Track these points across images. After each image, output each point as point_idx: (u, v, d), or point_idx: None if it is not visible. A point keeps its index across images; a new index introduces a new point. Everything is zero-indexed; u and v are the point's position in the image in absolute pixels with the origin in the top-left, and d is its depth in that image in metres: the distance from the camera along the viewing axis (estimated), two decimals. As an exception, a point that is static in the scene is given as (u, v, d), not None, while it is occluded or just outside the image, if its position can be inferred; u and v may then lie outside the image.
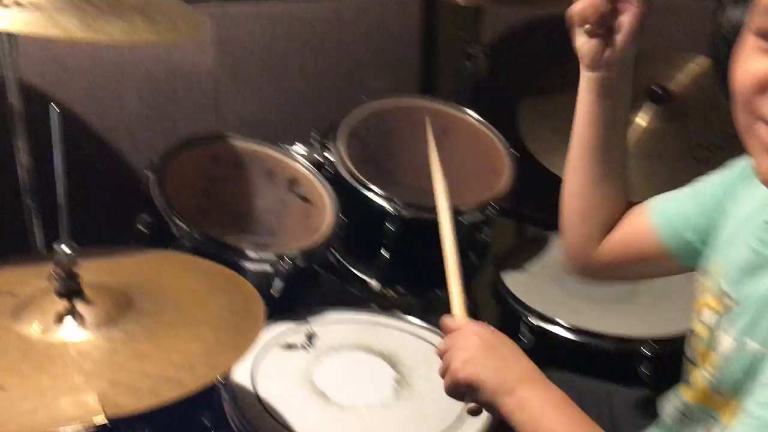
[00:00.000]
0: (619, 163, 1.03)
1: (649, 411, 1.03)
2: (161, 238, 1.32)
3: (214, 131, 1.52)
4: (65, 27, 0.93)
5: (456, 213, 1.54)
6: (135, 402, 0.80)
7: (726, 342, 0.80)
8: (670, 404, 0.94)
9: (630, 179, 1.05)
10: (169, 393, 0.81)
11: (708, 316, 0.86)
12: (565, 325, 1.43)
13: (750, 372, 0.76)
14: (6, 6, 0.94)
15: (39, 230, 1.29)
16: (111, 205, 1.63)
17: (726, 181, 0.93)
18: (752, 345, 0.76)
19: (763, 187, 0.82)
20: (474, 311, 1.82)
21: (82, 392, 0.80)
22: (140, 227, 1.38)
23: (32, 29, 0.92)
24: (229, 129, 1.58)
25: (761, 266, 0.78)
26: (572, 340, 1.43)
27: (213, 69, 1.76)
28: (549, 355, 1.46)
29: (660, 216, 0.99)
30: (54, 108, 0.81)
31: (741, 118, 0.72)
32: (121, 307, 0.93)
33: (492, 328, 0.96)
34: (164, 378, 0.83)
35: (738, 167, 0.92)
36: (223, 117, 1.80)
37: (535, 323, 1.45)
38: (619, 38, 0.92)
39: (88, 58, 1.60)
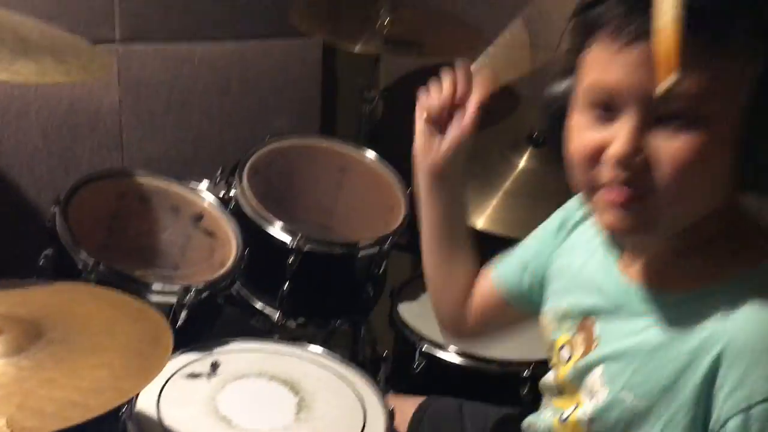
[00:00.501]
0: (464, 242, 1.13)
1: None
2: (65, 273, 1.34)
3: (120, 167, 1.56)
4: (-22, 68, 0.97)
5: (355, 248, 1.65)
6: (41, 424, 0.82)
7: (597, 385, 0.87)
8: (538, 428, 1.01)
9: (473, 250, 1.15)
10: (75, 416, 0.84)
11: (566, 353, 0.94)
12: (455, 351, 1.54)
13: (632, 423, 0.82)
14: None
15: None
16: (12, 242, 1.62)
17: (551, 229, 1.04)
18: (631, 398, 0.82)
19: (590, 241, 0.93)
20: (373, 339, 1.92)
21: None
22: (42, 263, 1.40)
23: (-55, 69, 0.96)
24: (134, 166, 1.62)
25: (617, 314, 0.85)
26: (460, 365, 1.54)
27: (117, 107, 1.80)
28: (440, 378, 1.57)
29: (498, 279, 1.11)
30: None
31: (580, 183, 0.80)
32: (30, 336, 0.96)
33: None
34: (71, 402, 0.86)
35: (568, 212, 1.03)
36: (127, 155, 1.84)
37: (427, 350, 1.55)
38: (450, 138, 1.02)
39: (-11, 94, 1.61)
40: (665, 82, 0.67)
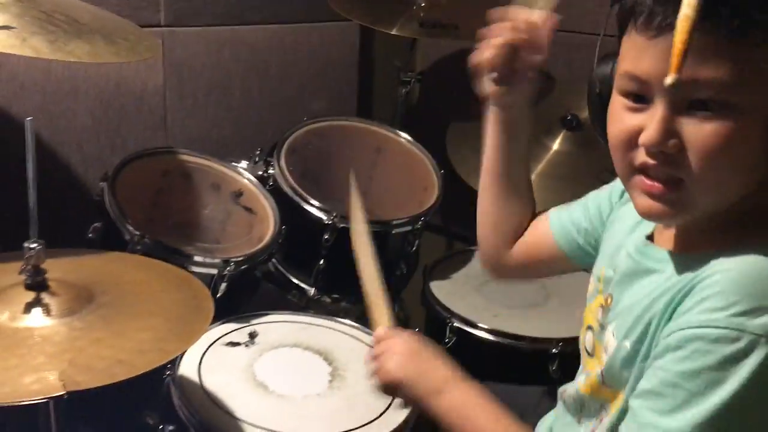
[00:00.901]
0: (522, 184, 1.17)
1: (552, 404, 1.17)
2: (113, 245, 1.41)
3: (164, 146, 1.63)
4: (37, 48, 1.03)
5: (389, 226, 1.70)
6: (90, 379, 0.89)
7: (610, 340, 0.91)
8: (568, 394, 1.04)
9: (533, 195, 1.19)
10: (121, 373, 0.90)
11: (599, 313, 0.98)
12: (485, 328, 1.58)
13: (628, 367, 0.86)
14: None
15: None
16: (62, 215, 1.70)
17: (611, 197, 1.07)
18: (627, 345, 0.86)
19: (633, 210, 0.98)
20: (405, 317, 1.97)
21: (44, 371, 0.89)
22: (91, 235, 1.48)
23: (4, 48, 1.02)
24: (176, 145, 1.68)
25: (637, 273, 0.89)
26: (491, 341, 1.57)
27: (162, 89, 1.86)
28: (470, 354, 1.61)
29: (556, 223, 1.14)
30: (29, 121, 0.91)
31: (618, 167, 0.82)
32: (82, 300, 1.03)
33: (419, 335, 1.07)
34: (117, 361, 0.93)
35: (618, 186, 1.06)
36: (171, 134, 1.90)
37: (458, 326, 1.60)
38: (520, 83, 1.04)
39: (42, 75, 1.68)
40: (668, 77, 0.70)
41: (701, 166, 0.75)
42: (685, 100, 0.75)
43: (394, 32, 1.83)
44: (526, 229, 1.18)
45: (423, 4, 1.90)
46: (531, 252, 1.17)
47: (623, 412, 0.86)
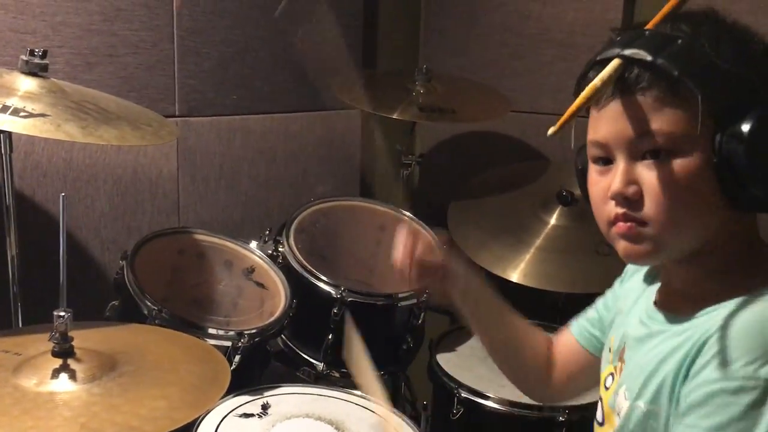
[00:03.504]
0: (522, 335, 1.22)
1: None
2: (131, 321, 1.46)
3: (180, 226, 1.70)
4: (70, 133, 1.12)
5: (394, 299, 1.75)
6: None
7: (622, 402, 0.96)
8: None
9: (536, 332, 1.24)
10: None
11: (609, 381, 1.03)
12: (493, 398, 1.61)
13: (647, 429, 0.91)
14: (17, 113, 1.14)
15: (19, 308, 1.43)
16: (79, 296, 1.75)
17: (620, 278, 1.15)
18: (642, 405, 0.91)
19: (643, 276, 1.05)
20: (412, 396, 1.98)
21: None
22: (108, 314, 1.54)
23: (42, 133, 1.11)
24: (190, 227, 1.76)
25: (648, 336, 0.95)
26: (499, 410, 1.60)
27: (175, 174, 1.96)
28: (478, 424, 1.64)
29: (577, 330, 1.20)
30: (63, 197, 0.99)
31: (600, 225, 0.93)
32: (104, 367, 1.08)
33: None
34: (128, 427, 0.97)
35: (629, 266, 1.13)
36: (183, 217, 1.98)
37: (467, 396, 1.62)
38: (440, 288, 1.16)
39: (64, 164, 1.78)
40: (550, 129, 0.85)
41: (657, 206, 0.85)
42: (640, 152, 0.86)
43: (395, 116, 1.94)
44: (551, 358, 1.23)
45: (421, 91, 2.02)
46: (568, 369, 1.21)
47: None
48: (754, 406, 0.79)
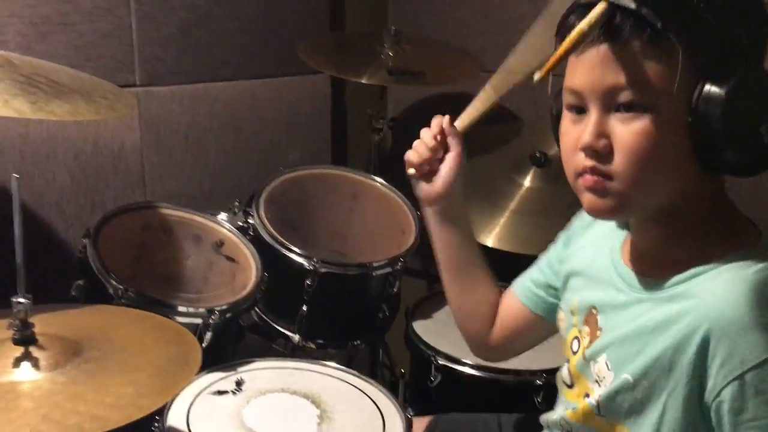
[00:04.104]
0: (479, 271, 1.23)
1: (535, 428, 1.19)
2: (97, 302, 1.42)
3: (144, 201, 1.65)
4: (19, 109, 1.06)
5: (368, 268, 1.72)
6: None
7: (603, 371, 0.94)
8: (552, 421, 1.08)
9: (492, 276, 1.25)
10: (93, 429, 0.90)
11: (576, 345, 1.01)
12: (470, 363, 1.60)
13: (635, 402, 0.90)
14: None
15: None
16: (42, 276, 1.70)
17: (565, 236, 1.13)
18: (632, 379, 0.89)
19: (599, 237, 1.02)
20: (390, 362, 1.98)
21: (16, 426, 0.90)
22: (74, 293, 1.49)
23: (-12, 111, 1.05)
24: (156, 201, 1.71)
25: (627, 304, 0.93)
26: (477, 376, 1.59)
27: (139, 146, 1.90)
28: (457, 391, 1.63)
29: (519, 290, 1.19)
30: (16, 178, 0.94)
31: (568, 174, 0.91)
32: (68, 354, 1.03)
33: None
34: (92, 416, 0.93)
35: (573, 222, 1.12)
36: (149, 191, 1.93)
37: (444, 363, 1.61)
38: (441, 178, 1.15)
39: (20, 139, 1.71)
40: (536, 74, 0.84)
41: (625, 162, 0.83)
42: (614, 104, 0.83)
43: (364, 81, 1.89)
44: (496, 309, 1.23)
45: (390, 54, 1.97)
46: (509, 327, 1.21)
47: None
48: None
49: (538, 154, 1.91)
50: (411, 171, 1.17)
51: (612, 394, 0.92)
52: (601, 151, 0.84)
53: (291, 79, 2.16)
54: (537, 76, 0.84)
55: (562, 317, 1.07)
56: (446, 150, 1.17)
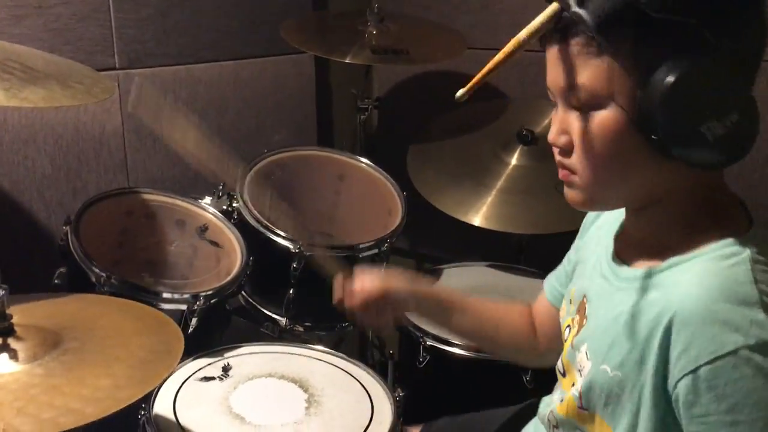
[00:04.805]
0: (495, 323, 1.21)
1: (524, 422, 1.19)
2: (80, 289, 1.40)
3: (126, 186, 1.62)
4: (-9, 96, 1.04)
5: (355, 250, 1.71)
6: (35, 429, 0.88)
7: (583, 361, 0.93)
8: (543, 413, 1.08)
9: (510, 307, 1.24)
10: (68, 422, 0.89)
11: (567, 333, 1.01)
12: (459, 344, 1.59)
13: (611, 395, 0.88)
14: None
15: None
16: (25, 263, 1.69)
17: (582, 228, 1.12)
18: (608, 370, 0.87)
19: (602, 228, 1.02)
20: (380, 342, 1.97)
21: None
22: (57, 281, 1.47)
23: (-41, 98, 1.03)
24: (138, 186, 1.69)
25: (608, 293, 0.93)
26: (465, 356, 1.58)
27: (120, 131, 1.87)
28: (445, 371, 1.63)
29: (548, 291, 1.18)
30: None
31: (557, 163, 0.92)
32: (47, 345, 1.02)
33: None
34: (68, 409, 0.91)
35: (588, 215, 1.10)
36: (132, 176, 1.90)
37: (432, 344, 1.61)
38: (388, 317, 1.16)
39: (-2, 124, 1.68)
40: (460, 92, 0.84)
41: (581, 159, 0.85)
42: (571, 102, 0.85)
43: (347, 60, 1.86)
44: (533, 325, 1.22)
45: (374, 32, 1.94)
46: (549, 333, 1.19)
47: None
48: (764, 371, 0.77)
49: (524, 132, 1.90)
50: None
51: (590, 384, 0.91)
52: (562, 147, 0.87)
53: (274, 59, 2.13)
54: (459, 94, 0.84)
55: (563, 306, 1.07)
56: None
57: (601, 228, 1.03)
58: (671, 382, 0.81)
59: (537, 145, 1.90)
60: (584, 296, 0.98)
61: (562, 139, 0.86)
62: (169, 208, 1.62)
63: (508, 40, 0.83)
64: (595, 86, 0.82)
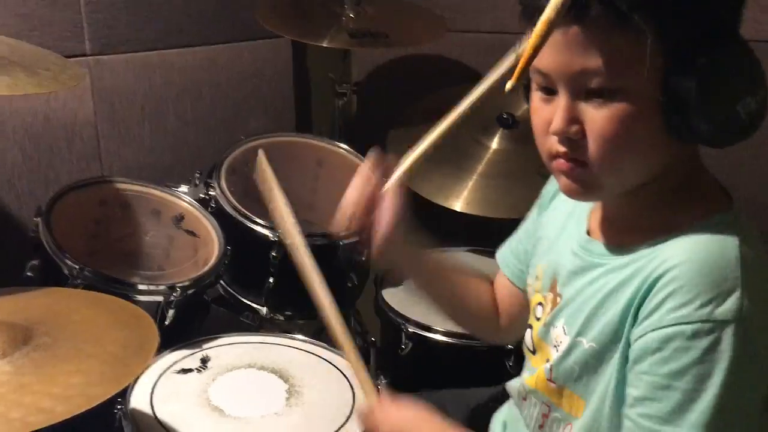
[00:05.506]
0: (467, 288, 1.18)
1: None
2: (52, 282, 1.37)
3: (99, 176, 1.59)
4: (-48, 84, 1.00)
5: (335, 237, 1.69)
6: (1, 429, 0.85)
7: (560, 336, 0.93)
8: (512, 387, 1.08)
9: (483, 278, 1.21)
10: (37, 422, 0.86)
11: (540, 311, 1.00)
12: (441, 331, 1.58)
13: (587, 367, 0.88)
14: None
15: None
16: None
17: (540, 204, 1.10)
18: (585, 343, 0.88)
19: (567, 203, 0.99)
20: (363, 330, 1.96)
21: None
22: (29, 274, 1.44)
23: None
24: (113, 175, 1.65)
25: (583, 269, 0.91)
26: (447, 343, 1.57)
27: (93, 118, 1.83)
28: (427, 358, 1.62)
29: (504, 266, 1.16)
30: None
31: (541, 151, 0.87)
32: (16, 342, 0.98)
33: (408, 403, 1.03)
34: (37, 408, 0.88)
35: (545, 188, 1.09)
36: (106, 164, 1.87)
37: (414, 331, 1.59)
38: (379, 243, 1.05)
39: (-34, 114, 1.63)
40: (508, 84, 0.76)
41: (599, 149, 0.80)
42: (583, 89, 0.79)
43: (325, 45, 1.83)
44: (495, 302, 1.20)
45: (351, 15, 1.91)
46: (509, 308, 1.18)
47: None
48: (713, 350, 0.76)
49: (505, 116, 1.88)
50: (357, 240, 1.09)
51: (564, 358, 0.91)
52: (572, 137, 0.81)
53: (250, 43, 2.10)
54: (509, 86, 0.76)
55: (530, 282, 1.06)
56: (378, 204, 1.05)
57: (565, 203, 1.01)
58: (633, 338, 0.81)
59: (518, 128, 1.89)
60: (555, 273, 0.97)
61: (573, 129, 0.80)
62: (144, 198, 1.58)
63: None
64: (620, 70, 0.77)
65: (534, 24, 0.82)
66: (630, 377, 0.83)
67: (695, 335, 0.76)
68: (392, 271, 1.14)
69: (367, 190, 1.05)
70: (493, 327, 1.20)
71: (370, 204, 1.05)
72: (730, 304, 0.76)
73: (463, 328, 1.27)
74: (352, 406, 1.27)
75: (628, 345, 0.83)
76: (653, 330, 0.79)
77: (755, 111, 0.77)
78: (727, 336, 0.75)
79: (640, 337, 0.80)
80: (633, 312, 0.82)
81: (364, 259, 1.75)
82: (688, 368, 0.77)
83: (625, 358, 0.84)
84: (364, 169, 1.07)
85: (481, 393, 1.35)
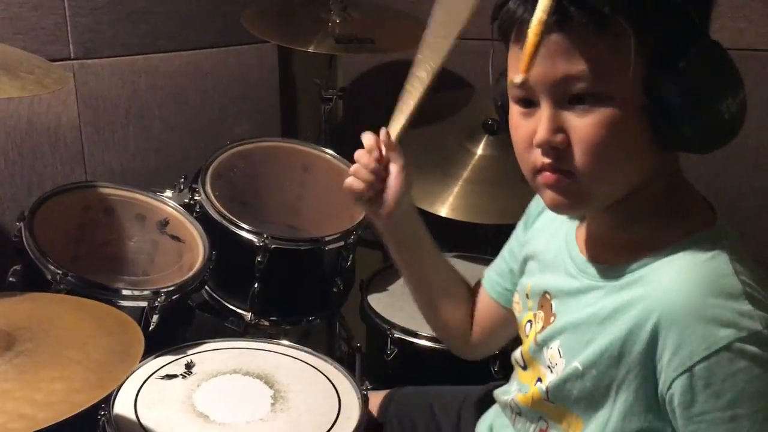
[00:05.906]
0: (447, 282, 1.18)
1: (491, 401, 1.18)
2: (35, 287, 1.35)
3: (83, 180, 1.58)
4: (-67, 87, 0.99)
5: (321, 242, 1.69)
6: None
7: (555, 358, 0.92)
8: (503, 401, 1.06)
9: (462, 281, 1.20)
10: (19, 429, 0.85)
11: (529, 328, 1.00)
12: (426, 336, 1.58)
13: (584, 391, 0.87)
14: None
15: None
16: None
17: (525, 223, 1.10)
18: (583, 368, 0.86)
19: (554, 222, 1.00)
20: (348, 335, 1.96)
21: None
22: (12, 279, 1.42)
23: None
24: (97, 180, 1.64)
25: (579, 290, 0.91)
26: (433, 348, 1.58)
27: (77, 123, 1.81)
28: (413, 363, 1.61)
29: (488, 285, 1.16)
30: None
31: (524, 171, 0.86)
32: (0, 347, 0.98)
33: None
34: (19, 415, 0.87)
35: (531, 206, 1.09)
36: (90, 169, 1.85)
37: (400, 336, 1.59)
38: (389, 200, 1.05)
39: (-52, 118, 1.62)
40: (517, 77, 0.75)
41: (585, 156, 0.79)
42: (566, 97, 0.79)
43: (311, 50, 1.83)
44: (471, 313, 1.19)
45: (337, 21, 1.91)
46: (486, 324, 1.18)
47: None
48: (758, 362, 0.76)
49: (490, 122, 1.89)
50: (357, 199, 1.08)
51: (562, 381, 0.90)
52: (558, 146, 0.80)
53: (236, 48, 2.09)
54: (518, 79, 0.76)
55: (517, 300, 1.06)
56: (387, 166, 1.06)
57: (553, 221, 1.01)
58: (664, 383, 0.80)
59: (502, 134, 1.89)
60: (545, 292, 0.97)
61: (559, 138, 0.79)
62: (129, 203, 1.57)
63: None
64: (604, 74, 0.76)
65: (509, 41, 0.83)
66: (687, 423, 0.79)
67: (736, 354, 0.75)
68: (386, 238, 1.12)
69: (375, 155, 1.06)
70: (464, 337, 1.20)
71: (380, 168, 1.06)
72: (749, 313, 0.76)
73: (436, 330, 1.25)
74: (338, 412, 1.27)
75: (641, 379, 0.82)
76: (690, 367, 0.77)
77: (736, 112, 0.77)
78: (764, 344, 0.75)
79: (675, 378, 0.78)
80: (643, 347, 0.81)
81: (348, 264, 1.75)
82: (743, 391, 0.76)
83: (635, 394, 0.82)
84: (368, 139, 1.08)
85: (471, 391, 1.34)
